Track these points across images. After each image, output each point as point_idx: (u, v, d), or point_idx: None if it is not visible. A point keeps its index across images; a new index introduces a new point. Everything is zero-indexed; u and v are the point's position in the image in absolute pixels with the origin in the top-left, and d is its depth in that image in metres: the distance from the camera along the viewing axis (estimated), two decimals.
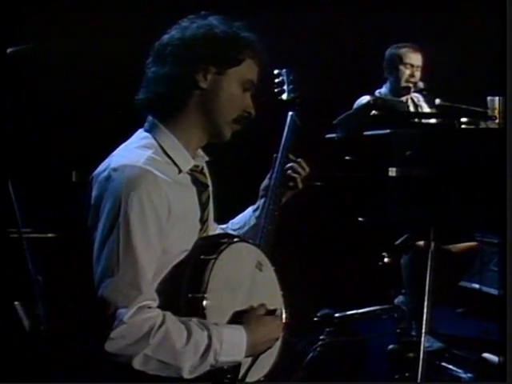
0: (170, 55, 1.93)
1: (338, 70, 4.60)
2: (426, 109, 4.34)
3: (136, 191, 1.79)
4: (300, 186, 2.30)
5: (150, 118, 1.98)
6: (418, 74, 4.32)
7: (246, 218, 2.30)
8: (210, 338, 1.79)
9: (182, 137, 1.96)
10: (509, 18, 2.37)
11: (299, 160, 2.31)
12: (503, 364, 2.28)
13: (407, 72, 4.32)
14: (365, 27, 4.61)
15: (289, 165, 2.29)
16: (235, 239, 2.00)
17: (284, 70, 2.48)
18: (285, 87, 2.44)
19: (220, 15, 1.98)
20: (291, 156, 2.31)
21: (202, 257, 1.87)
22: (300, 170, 2.29)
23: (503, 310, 2.31)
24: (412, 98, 4.47)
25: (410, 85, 4.28)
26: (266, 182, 2.30)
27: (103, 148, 1.97)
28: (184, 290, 1.83)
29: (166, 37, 1.96)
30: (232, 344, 1.83)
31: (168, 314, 1.80)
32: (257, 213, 2.28)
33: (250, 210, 2.31)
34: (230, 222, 2.32)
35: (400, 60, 4.33)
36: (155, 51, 1.97)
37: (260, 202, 2.28)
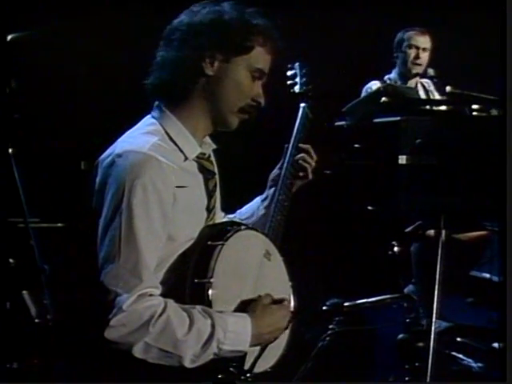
0: (177, 40, 1.91)
1: (348, 59, 4.60)
2: (437, 96, 4.35)
3: (140, 178, 1.78)
4: (310, 176, 2.29)
5: (156, 104, 1.97)
6: (424, 55, 4.40)
7: (254, 207, 2.28)
8: (213, 326, 1.77)
9: (188, 124, 1.94)
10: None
11: (307, 146, 2.29)
12: (503, 364, 2.25)
13: (412, 54, 4.39)
14: (375, 14, 4.61)
15: (299, 155, 2.27)
16: (243, 227, 1.98)
17: (297, 64, 2.48)
18: (297, 80, 2.45)
19: (234, 1, 1.94)
20: (301, 145, 2.30)
21: (208, 243, 1.86)
22: (309, 159, 2.28)
23: (503, 300, 2.28)
24: (422, 84, 4.47)
25: (416, 68, 4.35)
26: (275, 171, 2.29)
27: (112, 137, 1.95)
28: (190, 276, 1.82)
29: (175, 21, 1.94)
30: (236, 333, 1.81)
31: (170, 301, 1.79)
32: (265, 202, 2.26)
33: (258, 199, 2.30)
34: (238, 211, 2.30)
35: (406, 42, 4.41)
36: (165, 35, 1.95)
37: (269, 192, 2.27)
